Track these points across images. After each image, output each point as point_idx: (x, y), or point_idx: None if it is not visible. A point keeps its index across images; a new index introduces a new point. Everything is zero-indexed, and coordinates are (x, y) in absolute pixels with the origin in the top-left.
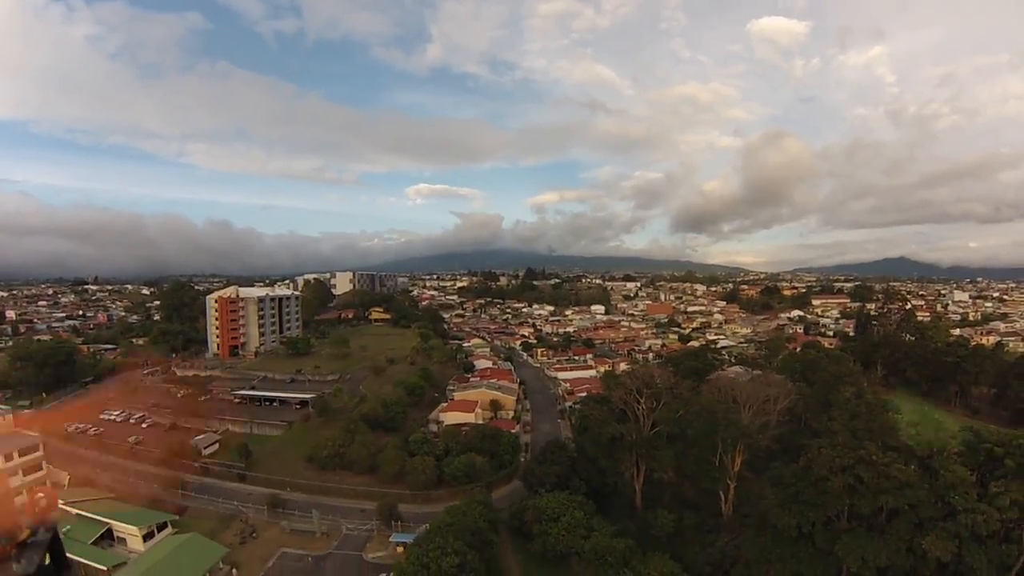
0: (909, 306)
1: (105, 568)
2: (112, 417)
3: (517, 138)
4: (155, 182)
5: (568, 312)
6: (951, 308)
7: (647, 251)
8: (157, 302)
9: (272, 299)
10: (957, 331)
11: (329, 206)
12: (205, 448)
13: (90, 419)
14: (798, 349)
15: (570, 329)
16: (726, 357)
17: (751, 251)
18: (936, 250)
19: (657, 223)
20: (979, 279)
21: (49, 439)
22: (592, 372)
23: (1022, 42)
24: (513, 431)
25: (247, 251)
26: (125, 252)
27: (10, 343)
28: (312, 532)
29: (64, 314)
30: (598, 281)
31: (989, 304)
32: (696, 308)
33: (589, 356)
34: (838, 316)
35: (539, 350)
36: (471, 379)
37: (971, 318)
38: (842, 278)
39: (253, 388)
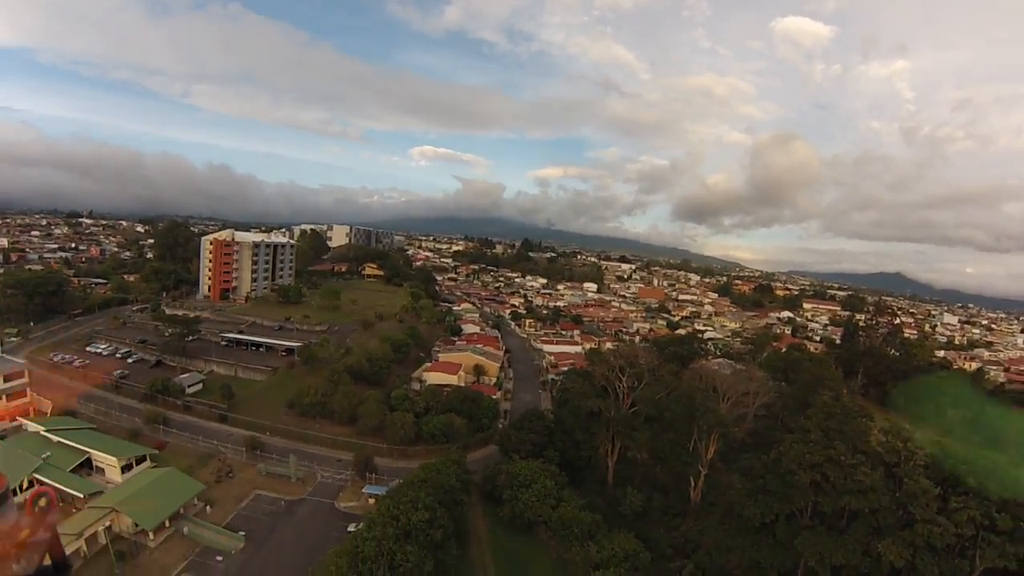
0: (898, 321)
1: (82, 496)
2: (99, 351)
3: (527, 110)
4: (157, 121)
5: (560, 287)
6: (939, 329)
7: (645, 235)
8: (151, 240)
9: (267, 245)
10: (941, 352)
11: (331, 159)
12: (189, 387)
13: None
14: (783, 349)
15: (560, 304)
16: (712, 348)
17: (749, 247)
18: (932, 271)
19: (658, 209)
20: (971, 305)
21: (35, 367)
22: (578, 348)
23: None
24: (494, 396)
25: (245, 197)
26: (122, 188)
27: (1, 271)
28: (287, 476)
29: (56, 245)
30: (593, 259)
31: (977, 331)
32: (688, 297)
33: (576, 332)
34: (827, 322)
35: (528, 321)
36: (457, 342)
37: (957, 342)
38: (836, 286)
39: (241, 332)
